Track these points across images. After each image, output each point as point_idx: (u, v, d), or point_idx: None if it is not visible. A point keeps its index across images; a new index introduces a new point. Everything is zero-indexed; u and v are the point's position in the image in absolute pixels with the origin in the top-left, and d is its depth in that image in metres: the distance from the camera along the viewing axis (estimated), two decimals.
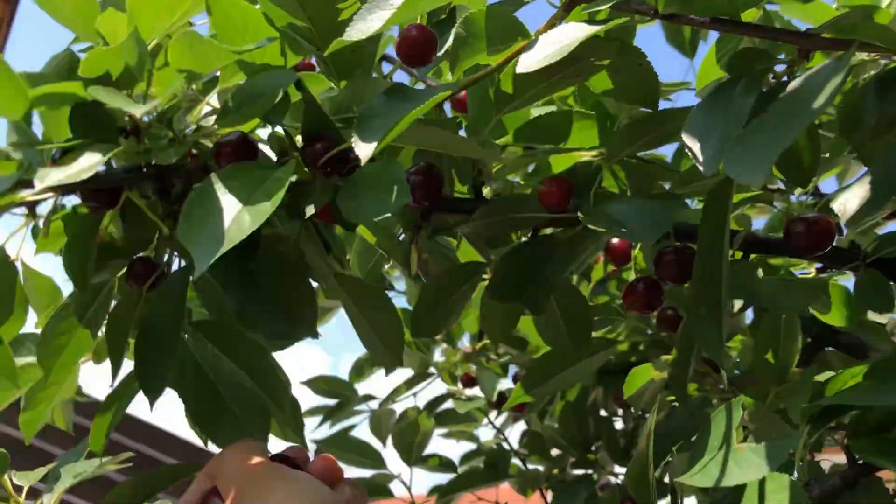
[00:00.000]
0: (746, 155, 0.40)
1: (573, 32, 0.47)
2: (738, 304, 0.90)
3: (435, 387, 1.40)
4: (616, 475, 1.18)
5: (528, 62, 0.46)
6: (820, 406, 0.52)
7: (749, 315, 1.03)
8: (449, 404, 1.39)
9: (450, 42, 0.52)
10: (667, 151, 0.83)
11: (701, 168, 0.43)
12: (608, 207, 0.58)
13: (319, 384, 1.40)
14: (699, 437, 0.54)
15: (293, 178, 0.57)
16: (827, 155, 0.68)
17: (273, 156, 0.58)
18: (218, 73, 0.57)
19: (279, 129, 0.58)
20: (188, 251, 0.45)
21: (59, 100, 0.54)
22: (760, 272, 0.63)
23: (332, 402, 1.40)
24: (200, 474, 0.47)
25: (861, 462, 0.53)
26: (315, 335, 0.57)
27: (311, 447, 1.30)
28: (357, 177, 0.53)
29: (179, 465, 0.66)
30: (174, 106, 0.56)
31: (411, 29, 0.56)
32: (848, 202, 0.55)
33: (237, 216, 0.46)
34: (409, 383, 1.35)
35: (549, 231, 0.64)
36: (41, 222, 0.57)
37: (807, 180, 0.62)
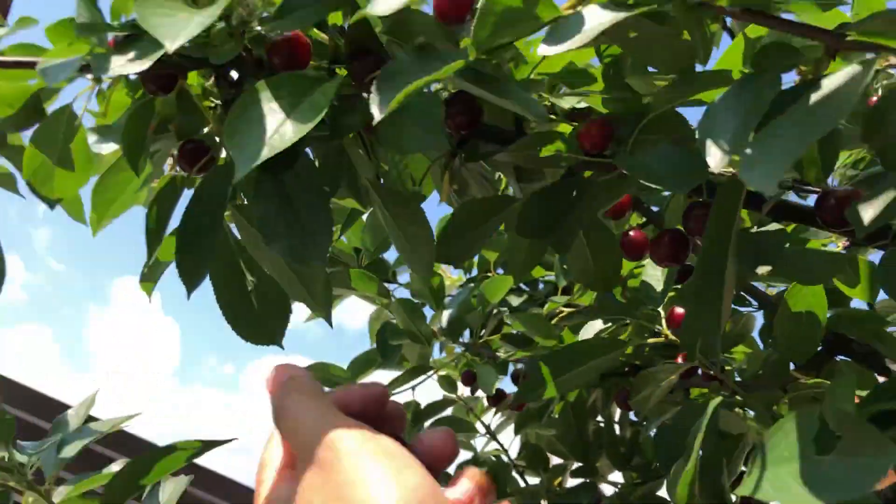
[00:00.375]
0: (761, 159, 0.39)
1: (597, 17, 0.46)
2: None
3: (432, 391, 1.40)
4: (615, 484, 1.17)
5: (548, 49, 0.46)
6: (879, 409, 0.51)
7: (759, 320, 1.03)
8: (446, 412, 1.38)
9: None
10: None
11: (712, 162, 0.43)
12: (644, 155, 0.59)
13: (318, 371, 1.40)
14: (759, 448, 0.48)
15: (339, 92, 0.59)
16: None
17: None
18: None
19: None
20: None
21: None
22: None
23: (325, 389, 1.39)
24: (274, 439, 0.39)
25: None
26: (324, 262, 0.58)
27: None
28: (401, 104, 0.55)
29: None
30: (233, 2, 0.58)
31: None
32: (865, 209, 0.55)
33: (280, 126, 0.48)
34: (407, 375, 1.34)
35: (584, 173, 0.65)
36: (105, 86, 0.60)
37: (821, 179, 0.62)
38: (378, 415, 0.39)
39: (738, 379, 0.88)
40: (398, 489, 0.31)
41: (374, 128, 0.60)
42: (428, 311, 1.33)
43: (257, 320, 0.64)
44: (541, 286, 1.29)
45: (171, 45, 0.47)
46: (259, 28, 0.58)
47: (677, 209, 0.68)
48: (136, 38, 0.55)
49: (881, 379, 0.82)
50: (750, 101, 0.45)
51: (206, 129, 0.63)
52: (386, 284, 1.30)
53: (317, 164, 0.64)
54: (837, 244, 0.68)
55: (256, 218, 0.58)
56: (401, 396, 1.35)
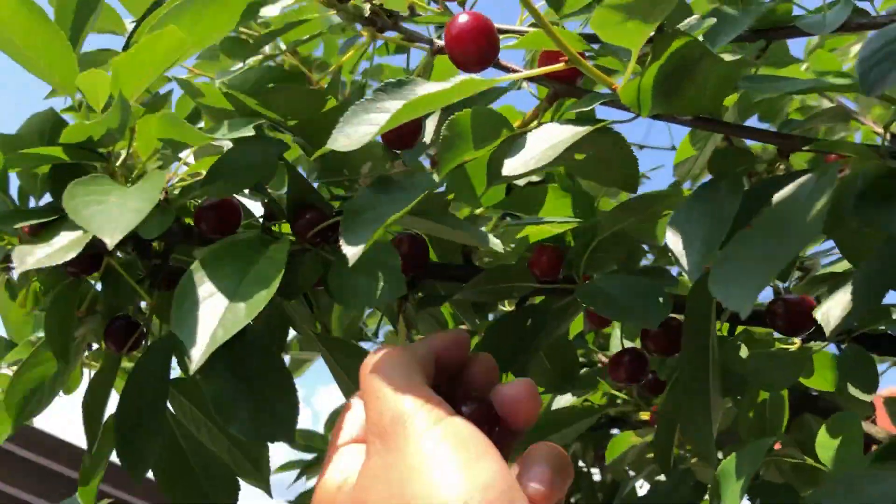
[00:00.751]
0: (733, 277, 0.39)
1: (558, 134, 0.46)
2: None
3: None
4: None
5: (514, 166, 0.45)
6: None
7: None
8: None
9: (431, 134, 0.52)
10: None
11: (685, 273, 0.43)
12: (601, 283, 0.57)
13: (296, 437, 1.37)
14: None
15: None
16: None
17: (258, 209, 0.57)
18: None
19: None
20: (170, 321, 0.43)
21: (36, 161, 0.53)
22: (744, 350, 0.63)
23: (308, 455, 1.37)
24: (353, 408, 0.37)
25: None
26: (292, 441, 0.53)
27: None
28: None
29: None
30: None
31: None
32: (831, 311, 0.56)
33: (230, 306, 0.44)
34: None
35: (537, 299, 0.64)
36: (14, 274, 0.55)
37: (785, 277, 0.62)
38: (462, 362, 0.38)
39: None
40: (467, 487, 0.28)
41: (322, 278, 0.57)
42: None
43: (204, 500, 0.60)
44: None
45: (111, 241, 0.42)
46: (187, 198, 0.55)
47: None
48: (58, 223, 0.51)
49: None
50: (714, 209, 0.45)
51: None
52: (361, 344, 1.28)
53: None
54: (794, 340, 0.67)
55: (210, 399, 0.53)
56: None
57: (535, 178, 0.68)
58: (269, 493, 0.66)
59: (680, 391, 0.57)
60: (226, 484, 0.61)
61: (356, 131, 0.44)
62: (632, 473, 1.02)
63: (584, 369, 0.89)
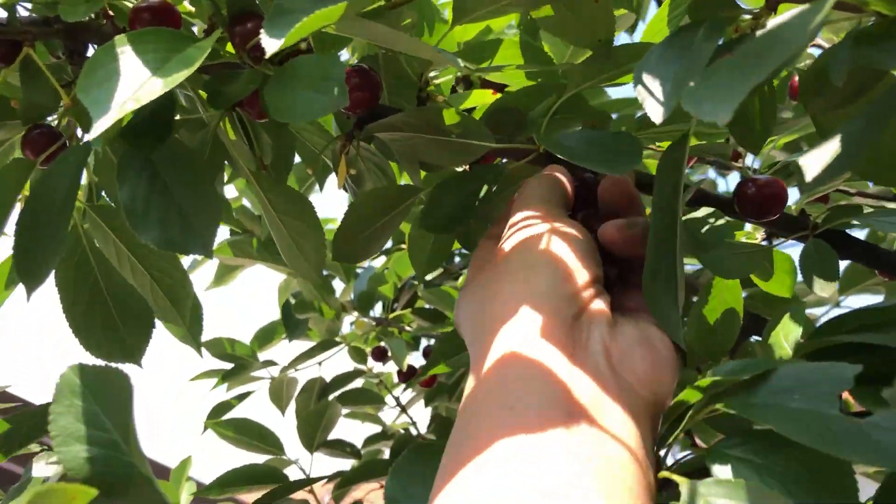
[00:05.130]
0: (711, 92, 0.34)
1: None
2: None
3: (341, 363, 1.34)
4: None
5: None
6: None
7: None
8: (356, 384, 1.32)
9: None
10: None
11: (652, 113, 0.38)
12: (563, 139, 0.53)
13: (218, 347, 1.32)
14: None
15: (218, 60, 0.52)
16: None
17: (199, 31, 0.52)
18: None
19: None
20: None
21: None
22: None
23: (228, 365, 1.32)
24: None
25: None
26: (210, 255, 0.49)
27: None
28: (289, 67, 0.47)
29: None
30: None
31: None
32: (812, 158, 0.52)
33: (146, 81, 0.39)
34: (314, 351, 1.28)
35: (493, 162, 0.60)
36: None
37: (758, 145, 0.59)
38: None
39: None
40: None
41: (260, 99, 0.53)
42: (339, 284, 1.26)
43: (112, 334, 0.55)
44: (456, 259, 1.25)
45: None
46: None
47: None
48: None
49: None
50: (689, 50, 0.40)
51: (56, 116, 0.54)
52: None
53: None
54: (755, 235, 0.64)
55: (122, 203, 0.48)
56: (307, 372, 1.29)
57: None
58: (197, 347, 0.62)
59: (648, 272, 0.54)
60: (140, 320, 0.56)
61: None
62: None
63: None
